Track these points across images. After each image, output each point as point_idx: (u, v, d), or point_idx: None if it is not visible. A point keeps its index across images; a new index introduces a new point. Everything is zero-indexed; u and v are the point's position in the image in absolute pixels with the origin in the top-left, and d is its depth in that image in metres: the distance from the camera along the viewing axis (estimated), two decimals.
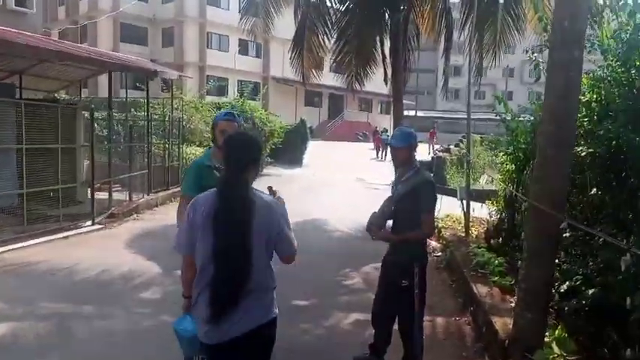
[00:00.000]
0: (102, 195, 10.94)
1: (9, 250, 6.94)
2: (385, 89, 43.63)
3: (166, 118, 13.49)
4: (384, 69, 10.56)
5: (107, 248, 7.45)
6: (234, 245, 2.26)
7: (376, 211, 3.83)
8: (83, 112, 11.54)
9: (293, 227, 2.52)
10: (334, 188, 15.85)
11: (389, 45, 10.14)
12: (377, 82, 12.52)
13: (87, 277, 6.00)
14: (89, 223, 8.87)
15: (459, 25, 10.49)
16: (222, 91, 32.18)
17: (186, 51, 35.99)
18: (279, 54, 38.14)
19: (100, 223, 9.02)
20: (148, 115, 12.20)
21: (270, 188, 2.66)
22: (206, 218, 2.32)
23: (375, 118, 46.40)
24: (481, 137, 29.78)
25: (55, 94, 14.34)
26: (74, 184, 10.08)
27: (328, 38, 10.51)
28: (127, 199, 10.89)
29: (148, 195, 11.77)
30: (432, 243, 8.05)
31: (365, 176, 19.49)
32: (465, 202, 7.99)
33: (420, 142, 4.50)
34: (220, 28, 36.17)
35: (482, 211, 8.17)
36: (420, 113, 44.70)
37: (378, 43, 10.35)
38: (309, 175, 19.10)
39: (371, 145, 33.46)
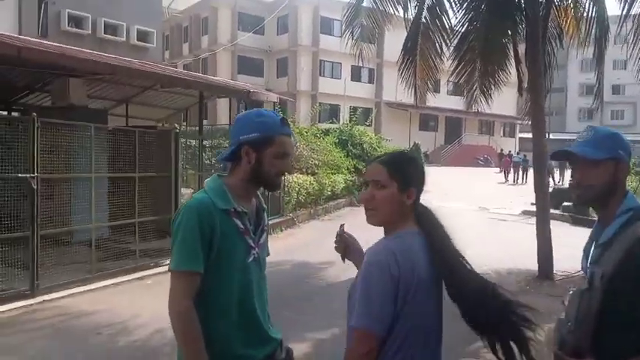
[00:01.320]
0: None
1: (71, 295, 6.09)
2: (509, 110, 40.64)
3: None
4: (519, 77, 8.60)
5: None
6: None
7: (561, 316, 1.89)
8: (183, 139, 11.02)
9: None
10: (451, 219, 13.81)
11: (523, 48, 8.21)
12: (500, 103, 10.63)
13: (135, 339, 4.85)
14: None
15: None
16: (333, 117, 31.45)
17: (299, 80, 36.04)
18: (392, 79, 36.81)
19: None
20: None
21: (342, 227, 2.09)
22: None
23: (498, 142, 42.99)
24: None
25: (162, 123, 14.13)
26: (169, 214, 9.33)
27: (447, 43, 8.82)
28: None
29: None
30: None
31: (488, 204, 17.16)
32: None
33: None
34: (333, 56, 35.78)
35: None
36: (550, 135, 40.52)
37: (509, 45, 8.46)
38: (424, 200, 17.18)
39: (495, 169, 31.23)
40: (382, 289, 1.56)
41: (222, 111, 26.58)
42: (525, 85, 8.45)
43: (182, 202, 12.23)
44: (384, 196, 1.64)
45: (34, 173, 5.72)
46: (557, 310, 5.31)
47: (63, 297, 6.01)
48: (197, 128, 20.55)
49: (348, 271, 6.54)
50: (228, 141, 13.71)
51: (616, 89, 47.98)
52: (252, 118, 1.87)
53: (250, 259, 1.83)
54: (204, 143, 15.09)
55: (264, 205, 2.02)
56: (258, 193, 1.97)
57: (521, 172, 27.20)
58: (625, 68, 26.60)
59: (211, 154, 14.14)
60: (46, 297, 5.92)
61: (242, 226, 1.80)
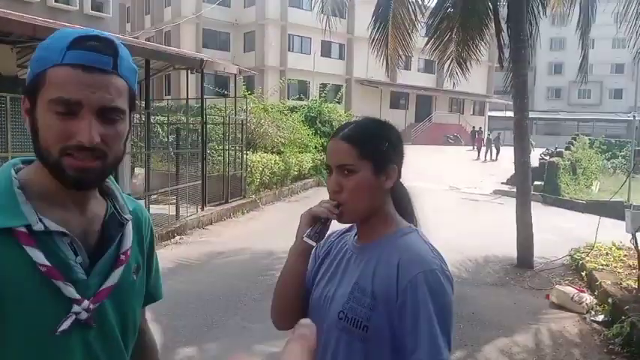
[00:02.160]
0: (159, 209, 9.24)
1: None
2: (479, 88, 40.30)
3: (227, 120, 11.60)
4: (499, 45, 7.87)
5: None
6: None
7: None
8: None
9: None
10: (421, 199, 13.21)
11: (506, 14, 7.47)
12: (471, 80, 9.99)
13: None
14: None
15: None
16: (302, 93, 30.34)
17: (267, 54, 34.75)
18: (363, 55, 36.02)
19: None
20: (203, 116, 10.35)
21: None
22: None
23: (468, 120, 42.73)
24: (590, 139, 25.97)
25: None
26: None
27: (421, 10, 8.00)
28: (175, 215, 9.07)
29: (202, 210, 9.92)
30: (585, 298, 5.31)
31: (460, 184, 16.65)
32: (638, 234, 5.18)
33: None
34: (302, 30, 34.57)
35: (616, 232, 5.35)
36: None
37: (489, 10, 7.70)
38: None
39: (466, 147, 31.34)
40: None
41: (191, 86, 25.39)
42: (507, 56, 7.72)
43: (133, 182, 11.26)
44: (356, 184, 1.22)
45: None
46: (542, 307, 4.65)
47: None
48: (160, 104, 19.40)
49: None
50: (190, 118, 12.79)
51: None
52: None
53: (65, 326, 0.93)
54: (161, 119, 14.10)
55: (129, 213, 1.07)
56: (113, 188, 1.09)
57: (494, 150, 27.22)
58: (593, 47, 26.57)
59: (169, 131, 13.13)
60: None
61: (45, 262, 0.91)
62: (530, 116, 7.38)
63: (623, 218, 6.88)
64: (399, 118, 36.22)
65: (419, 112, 41.27)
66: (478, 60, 8.88)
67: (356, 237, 1.31)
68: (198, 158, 10.36)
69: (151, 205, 9.11)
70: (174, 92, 28.56)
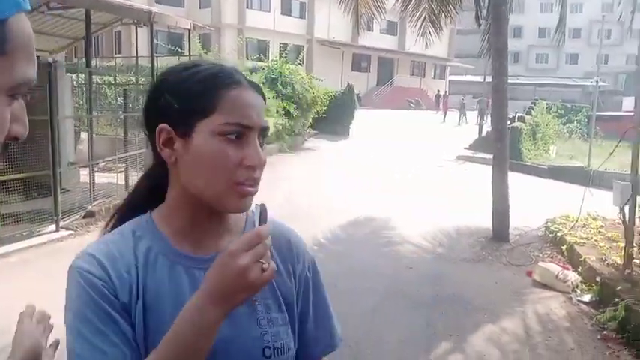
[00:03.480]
0: (107, 178, 8.45)
1: None
2: (440, 52, 39.94)
3: None
4: (477, 3, 7.32)
5: (53, 276, 4.81)
6: None
7: None
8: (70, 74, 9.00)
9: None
10: (388, 166, 12.82)
11: None
12: (432, 44, 9.50)
13: None
14: (52, 228, 6.23)
15: None
16: (261, 53, 29.17)
17: (224, 12, 33.17)
18: (325, 14, 34.95)
19: (69, 228, 6.39)
20: (153, 77, 9.45)
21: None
22: None
23: (429, 83, 42.56)
24: (547, 104, 26.26)
25: (50, 55, 11.81)
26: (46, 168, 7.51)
27: None
28: (125, 185, 8.31)
29: None
30: (570, 275, 4.99)
31: (424, 150, 16.33)
32: (628, 206, 4.84)
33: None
34: None
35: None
36: (474, 78, 40.40)
37: None
38: (356, 150, 16.13)
39: (427, 112, 31.42)
40: None
41: (142, 44, 23.86)
42: (484, 13, 7.19)
43: (79, 149, 10.34)
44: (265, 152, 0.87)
45: None
46: (525, 286, 4.25)
47: None
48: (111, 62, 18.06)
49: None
50: (141, 78, 11.76)
51: (542, 32, 48.49)
52: None
53: None
54: (107, 80, 13.04)
55: None
56: None
57: (466, 114, 27.45)
58: (551, 11, 26.50)
59: (117, 93, 12.15)
60: None
61: None
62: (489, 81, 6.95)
63: (584, 184, 6.62)
64: (360, 81, 35.62)
65: (381, 75, 40.73)
66: (452, 18, 8.33)
67: (183, 246, 0.89)
68: None
69: (97, 174, 8.32)
70: (125, 51, 26.96)
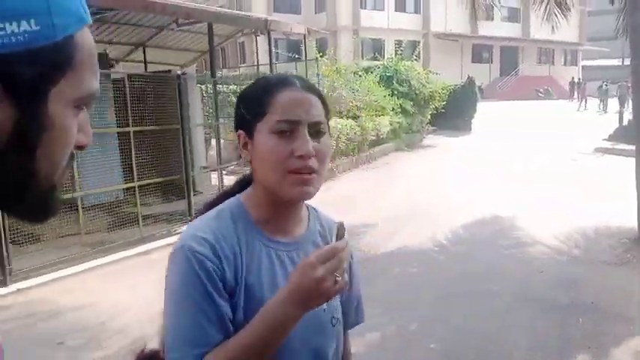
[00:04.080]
0: (233, 181, 8.97)
1: (53, 281, 4.96)
2: (570, 36, 36.81)
3: None
4: None
5: None
6: None
7: None
8: (200, 85, 9.69)
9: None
10: (515, 160, 12.04)
11: None
12: (560, 28, 8.63)
13: (105, 354, 3.64)
14: (185, 227, 6.72)
15: None
16: (376, 53, 29.12)
17: (339, 14, 33.64)
18: (441, 7, 33.96)
19: None
20: None
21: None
22: None
23: (558, 71, 39.46)
24: None
25: (181, 68, 12.78)
26: (178, 173, 8.12)
27: None
28: None
29: None
30: None
31: (556, 143, 15.11)
32: None
33: None
34: None
35: None
36: (611, 62, 36.64)
37: None
38: (478, 144, 15.39)
39: (559, 101, 29.34)
40: None
41: (263, 53, 25.07)
42: None
43: (210, 154, 11.07)
44: (328, 148, 0.99)
45: None
46: None
47: (42, 284, 4.92)
48: (236, 72, 19.17)
49: (391, 238, 4.99)
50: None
51: None
52: None
53: None
54: (233, 89, 13.81)
55: None
56: None
57: (607, 102, 25.12)
58: None
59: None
60: (22, 285, 4.85)
61: None
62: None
63: None
64: (482, 73, 34.08)
65: (504, 65, 38.60)
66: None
67: (266, 233, 1.01)
68: None
69: (226, 177, 8.89)
70: (249, 60, 28.43)
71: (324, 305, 0.89)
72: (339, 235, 0.88)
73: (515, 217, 7.09)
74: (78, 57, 0.52)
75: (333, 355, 1.06)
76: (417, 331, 4.02)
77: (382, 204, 8.21)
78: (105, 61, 8.02)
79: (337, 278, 0.85)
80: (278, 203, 0.99)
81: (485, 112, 20.57)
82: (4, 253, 4.77)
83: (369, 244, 6.05)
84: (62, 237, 5.72)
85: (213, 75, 8.12)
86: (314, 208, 1.13)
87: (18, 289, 4.80)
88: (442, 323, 4.09)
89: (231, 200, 1.05)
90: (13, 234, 4.98)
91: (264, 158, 0.96)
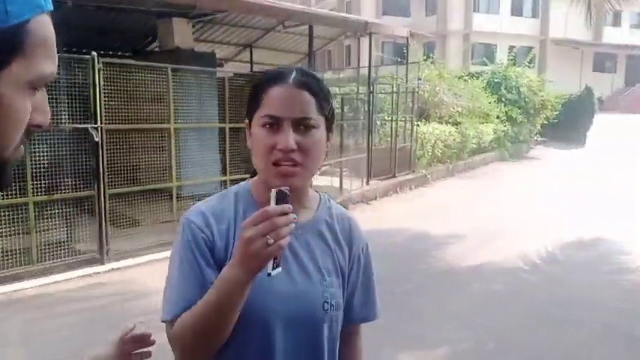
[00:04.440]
0: (324, 182, 9.12)
1: (145, 263, 5.30)
2: None
3: (395, 89, 10.86)
4: None
5: None
6: None
7: None
8: None
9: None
10: (630, 182, 10.95)
11: None
12: None
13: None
14: None
15: None
16: (487, 58, 28.05)
17: (450, 18, 32.72)
18: (561, 11, 31.79)
19: None
20: (369, 85, 9.80)
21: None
22: None
23: None
24: None
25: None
26: None
27: None
28: (339, 189, 8.78)
29: (367, 184, 9.47)
30: None
31: None
32: None
33: None
34: None
35: None
36: None
37: None
38: (591, 159, 14.21)
39: None
40: None
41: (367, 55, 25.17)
42: None
43: None
44: (317, 142, 1.04)
45: (96, 123, 4.95)
46: None
47: (134, 265, 5.30)
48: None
49: (478, 251, 4.74)
50: (361, 86, 12.34)
51: None
52: None
53: None
54: (336, 90, 13.97)
55: None
56: None
57: None
58: None
59: (338, 104, 12.93)
60: (116, 264, 5.25)
61: None
62: None
63: None
64: (603, 83, 31.47)
65: (630, 75, 35.32)
66: None
67: None
68: (366, 129, 9.89)
69: (318, 177, 8.99)
70: (353, 62, 28.63)
71: (271, 271, 0.90)
72: (279, 201, 0.90)
73: (622, 241, 6.45)
74: (30, 42, 0.53)
75: (327, 341, 1.08)
76: (493, 352, 3.79)
77: (473, 215, 7.87)
78: (213, 61, 8.47)
79: (269, 241, 0.86)
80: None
81: (604, 124, 18.97)
82: (104, 234, 5.19)
83: (454, 255, 5.82)
84: (161, 223, 6.11)
85: None
86: (328, 199, 1.18)
87: (113, 268, 5.21)
88: (522, 347, 3.82)
89: (242, 183, 1.15)
90: (114, 217, 5.41)
91: (254, 149, 1.04)
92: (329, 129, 1.07)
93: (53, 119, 5.25)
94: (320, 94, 1.03)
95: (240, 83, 7.13)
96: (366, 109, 9.80)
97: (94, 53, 4.93)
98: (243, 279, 0.91)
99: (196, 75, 6.97)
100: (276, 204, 0.90)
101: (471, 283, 5.09)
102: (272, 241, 0.86)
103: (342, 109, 9.42)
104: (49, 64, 0.57)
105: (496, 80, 15.97)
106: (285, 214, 0.88)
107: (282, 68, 1.07)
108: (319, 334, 1.06)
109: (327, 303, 1.07)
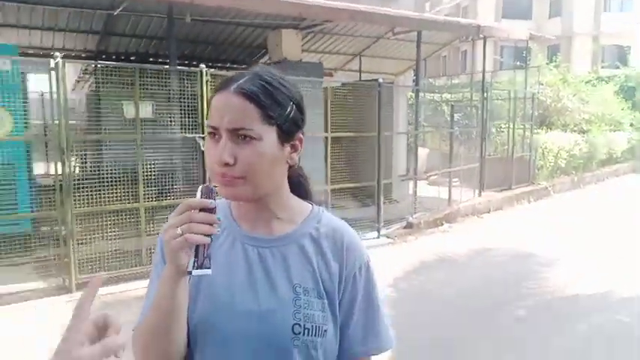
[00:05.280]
0: (433, 192, 8.81)
1: None
2: None
3: (513, 95, 10.16)
4: None
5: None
6: None
7: None
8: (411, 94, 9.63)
9: None
10: None
11: None
12: None
13: None
14: (374, 234, 6.70)
15: None
16: (620, 61, 25.45)
17: (576, 19, 30.34)
18: None
19: (389, 236, 6.75)
20: (483, 91, 9.26)
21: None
22: None
23: None
24: None
25: (396, 76, 12.89)
26: (389, 179, 8.14)
27: None
28: (447, 200, 8.35)
29: (479, 196, 8.91)
30: None
31: None
32: None
33: None
34: None
35: None
36: None
37: None
38: None
39: None
40: None
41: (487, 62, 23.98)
42: None
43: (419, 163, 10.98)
44: (257, 155, 0.95)
45: (203, 133, 5.12)
46: None
47: None
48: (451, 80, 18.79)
49: (601, 274, 4.15)
50: (475, 92, 11.73)
51: None
52: None
53: None
54: (445, 97, 13.48)
55: None
56: None
57: None
58: None
59: (449, 110, 12.44)
60: None
61: None
62: None
63: None
64: None
65: None
66: None
67: (244, 228, 1.03)
68: (479, 137, 9.35)
69: (427, 187, 8.72)
70: (469, 68, 27.58)
71: (191, 269, 0.85)
72: (204, 195, 0.86)
73: None
74: None
75: None
76: None
77: (599, 232, 7.04)
78: (320, 70, 8.50)
79: (177, 232, 0.83)
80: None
81: None
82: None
83: (572, 279, 5.20)
84: None
85: (416, 83, 7.96)
86: (320, 210, 1.08)
87: None
88: None
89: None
90: None
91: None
92: (286, 139, 0.97)
93: (166, 128, 5.55)
94: (267, 101, 0.94)
95: (344, 92, 7.04)
96: (480, 115, 9.26)
97: (202, 65, 5.12)
98: (168, 273, 0.88)
99: (301, 85, 7.00)
100: (202, 196, 0.86)
101: (591, 314, 4.47)
102: (180, 232, 0.83)
103: (452, 117, 8.98)
104: None
105: (630, 84, 14.42)
106: (208, 209, 0.84)
107: (234, 74, 0.98)
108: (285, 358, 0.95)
109: (299, 325, 0.95)
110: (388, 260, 5.88)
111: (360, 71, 11.80)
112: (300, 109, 1.01)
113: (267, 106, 0.94)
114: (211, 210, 0.85)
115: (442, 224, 7.55)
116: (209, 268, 0.85)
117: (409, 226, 7.08)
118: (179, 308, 0.91)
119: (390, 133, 8.05)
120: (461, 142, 9.78)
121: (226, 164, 0.92)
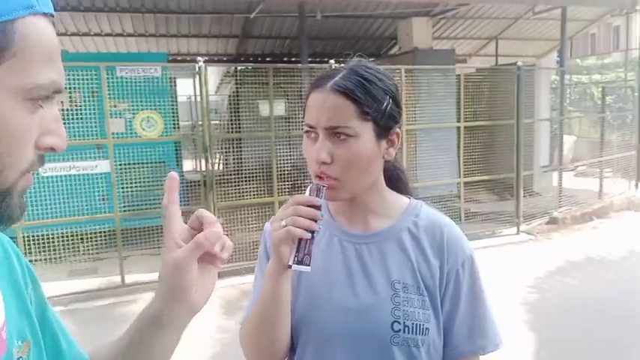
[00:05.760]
0: (581, 184, 8.11)
1: None
2: None
3: None
4: None
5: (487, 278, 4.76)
6: None
7: None
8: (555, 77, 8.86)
9: None
10: None
11: None
12: None
13: None
14: (512, 230, 6.27)
15: None
16: None
17: None
18: None
19: (529, 232, 6.27)
20: None
21: None
22: None
23: None
24: None
25: (537, 59, 11.95)
26: (530, 170, 7.60)
27: None
28: (598, 193, 7.57)
29: (636, 188, 7.95)
30: None
31: None
32: None
33: None
34: None
35: None
36: None
37: None
38: None
39: None
40: None
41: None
42: None
43: (562, 153, 10.13)
44: (355, 153, 0.93)
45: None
46: None
47: None
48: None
49: None
50: (627, 72, 10.46)
51: None
52: None
53: None
54: (595, 78, 12.25)
55: None
56: None
57: None
58: None
59: (600, 92, 11.30)
60: None
61: None
62: None
63: None
64: None
65: None
66: None
67: (341, 224, 1.04)
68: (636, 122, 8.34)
69: (575, 179, 8.01)
70: (623, 45, 24.78)
71: (292, 263, 0.87)
72: (313, 193, 0.90)
73: None
74: (21, 44, 0.48)
75: None
76: None
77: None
78: (451, 58, 8.18)
79: (282, 224, 0.86)
80: None
81: None
82: None
83: None
84: None
85: (561, 64, 7.30)
86: (419, 204, 1.05)
87: None
88: None
89: None
90: None
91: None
92: (382, 134, 0.95)
93: (298, 125, 5.75)
94: (363, 97, 0.92)
95: (479, 79, 6.68)
96: (637, 98, 8.24)
97: (332, 61, 5.15)
98: (271, 267, 0.90)
99: (432, 74, 6.80)
100: (311, 195, 0.89)
101: None
102: (284, 223, 0.85)
103: (603, 100, 8.10)
104: (46, 72, 0.50)
105: None
106: (314, 206, 0.86)
107: (331, 70, 0.97)
108: (389, 357, 0.93)
109: (399, 323, 0.93)
110: (528, 259, 5.48)
111: (496, 55, 11.17)
112: (396, 102, 0.98)
113: (363, 102, 0.92)
114: (317, 207, 0.87)
115: (592, 220, 6.85)
116: (308, 265, 0.86)
117: (553, 221, 6.53)
118: (283, 302, 0.93)
119: (531, 120, 7.49)
120: (613, 127, 8.81)
121: (323, 162, 0.92)
